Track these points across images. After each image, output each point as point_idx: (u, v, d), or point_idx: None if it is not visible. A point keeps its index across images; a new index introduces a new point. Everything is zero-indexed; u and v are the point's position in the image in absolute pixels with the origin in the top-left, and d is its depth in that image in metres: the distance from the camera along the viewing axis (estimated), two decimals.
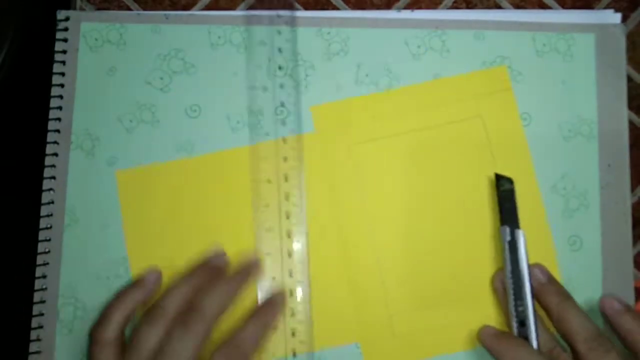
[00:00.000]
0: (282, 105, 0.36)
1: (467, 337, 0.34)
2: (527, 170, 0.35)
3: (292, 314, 0.34)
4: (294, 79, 0.36)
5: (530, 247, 0.33)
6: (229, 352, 0.32)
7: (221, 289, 0.33)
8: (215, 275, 0.34)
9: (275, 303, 0.34)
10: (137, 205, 0.35)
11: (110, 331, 0.32)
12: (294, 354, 0.34)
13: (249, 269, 0.34)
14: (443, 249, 0.35)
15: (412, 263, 0.35)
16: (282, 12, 0.36)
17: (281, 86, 0.36)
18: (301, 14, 0.37)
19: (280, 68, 0.36)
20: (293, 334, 0.34)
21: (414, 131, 0.35)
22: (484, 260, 0.35)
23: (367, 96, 0.36)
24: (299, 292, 0.34)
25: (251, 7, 0.37)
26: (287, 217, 0.35)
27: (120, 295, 0.34)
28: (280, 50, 0.36)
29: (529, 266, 0.33)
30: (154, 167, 0.35)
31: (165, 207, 0.35)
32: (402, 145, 0.35)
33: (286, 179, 0.35)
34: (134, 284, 0.34)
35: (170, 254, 0.35)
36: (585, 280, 0.35)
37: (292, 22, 0.36)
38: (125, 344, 0.33)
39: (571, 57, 0.36)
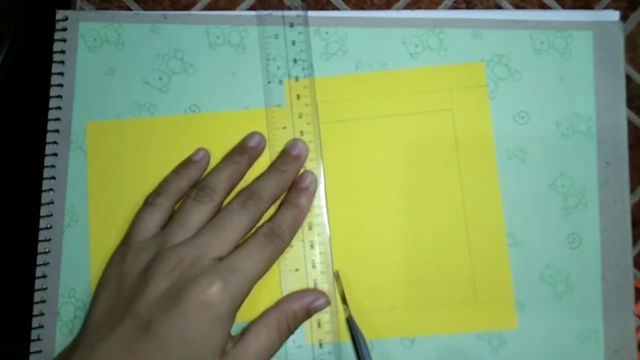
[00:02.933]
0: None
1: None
2: (490, 171, 0.35)
3: None
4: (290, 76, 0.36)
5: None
6: (269, 233, 0.33)
7: (276, 178, 0.34)
8: (254, 157, 0.35)
9: (306, 186, 0.35)
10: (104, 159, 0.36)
11: (164, 198, 0.34)
12: (321, 345, 0.34)
13: (298, 156, 0.35)
14: (408, 237, 0.35)
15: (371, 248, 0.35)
16: (286, 13, 0.36)
17: (280, 82, 0.36)
18: (299, 13, 0.37)
19: (279, 68, 0.36)
20: (319, 325, 0.34)
21: (385, 117, 0.36)
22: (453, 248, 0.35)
23: (339, 77, 0.36)
24: (323, 281, 0.34)
25: (251, 8, 0.38)
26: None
27: (175, 170, 0.35)
28: (275, 57, 0.36)
29: None
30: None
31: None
32: (371, 129, 0.36)
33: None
34: (185, 162, 0.35)
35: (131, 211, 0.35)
36: (584, 278, 0.35)
37: (296, 22, 0.36)
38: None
39: (569, 55, 0.36)
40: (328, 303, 0.34)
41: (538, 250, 0.35)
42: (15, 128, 0.38)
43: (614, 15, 0.36)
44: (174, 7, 0.38)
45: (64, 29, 0.37)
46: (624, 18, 0.36)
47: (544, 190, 0.35)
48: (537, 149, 0.35)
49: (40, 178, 0.36)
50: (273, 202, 0.34)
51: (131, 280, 0.31)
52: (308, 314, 0.33)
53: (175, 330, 0.29)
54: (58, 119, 0.36)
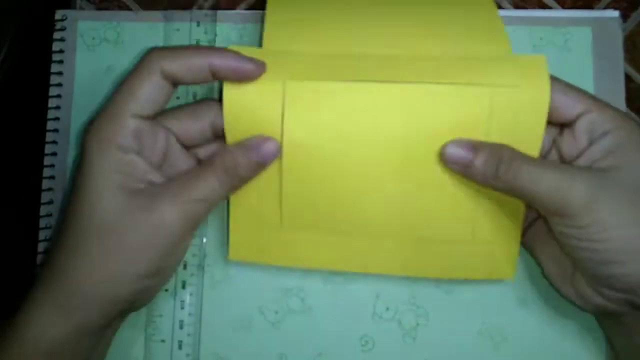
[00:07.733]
0: None
1: None
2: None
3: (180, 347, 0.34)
4: None
5: None
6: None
7: None
8: None
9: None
10: None
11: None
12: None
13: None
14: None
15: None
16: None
17: None
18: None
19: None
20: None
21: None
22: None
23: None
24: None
25: (251, 7, 0.38)
26: None
27: None
28: None
29: None
30: None
31: None
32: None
33: None
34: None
35: None
36: None
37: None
38: None
39: (568, 51, 0.36)
40: None
41: None
42: (14, 127, 0.38)
43: (613, 13, 0.36)
44: (174, 7, 0.38)
45: (63, 29, 0.37)
46: (624, 18, 0.36)
47: None
48: None
49: (39, 177, 0.35)
50: None
51: None
52: None
53: None
54: (57, 119, 0.36)
